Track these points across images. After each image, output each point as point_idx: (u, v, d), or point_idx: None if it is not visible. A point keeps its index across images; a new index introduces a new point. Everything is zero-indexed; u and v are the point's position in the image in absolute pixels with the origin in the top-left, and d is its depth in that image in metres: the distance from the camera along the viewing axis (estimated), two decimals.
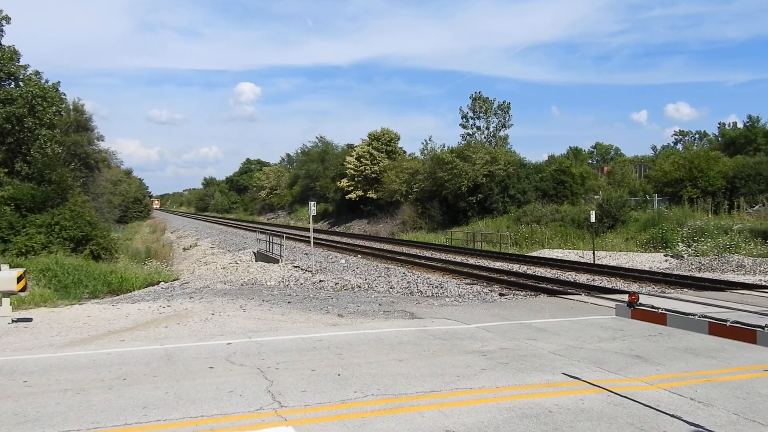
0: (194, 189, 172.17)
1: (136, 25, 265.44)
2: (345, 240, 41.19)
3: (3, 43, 33.50)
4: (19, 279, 10.67)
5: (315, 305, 13.25)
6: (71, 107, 43.42)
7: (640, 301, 6.09)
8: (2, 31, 33.28)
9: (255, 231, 49.91)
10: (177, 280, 26.08)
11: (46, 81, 35.28)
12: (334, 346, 8.64)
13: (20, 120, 32.52)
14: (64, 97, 37.75)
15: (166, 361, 7.84)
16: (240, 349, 8.49)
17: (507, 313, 11.55)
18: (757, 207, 38.08)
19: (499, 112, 54.86)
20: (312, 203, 23.38)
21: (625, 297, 14.09)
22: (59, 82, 35.79)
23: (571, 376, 6.98)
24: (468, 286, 17.49)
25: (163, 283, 24.82)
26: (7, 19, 33.19)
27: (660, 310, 5.72)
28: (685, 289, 16.39)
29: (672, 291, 16.12)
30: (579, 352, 8.21)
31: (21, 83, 33.35)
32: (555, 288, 16.59)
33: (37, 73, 34.66)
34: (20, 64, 33.70)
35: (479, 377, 6.92)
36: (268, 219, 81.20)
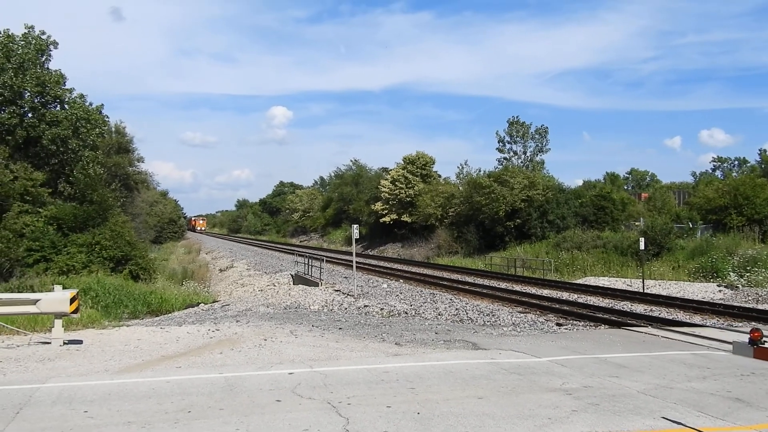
0: (227, 211, 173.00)
1: (173, 50, 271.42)
2: (382, 263, 40.71)
3: (50, 67, 34.18)
4: (72, 300, 10.41)
5: (368, 332, 12.76)
6: (113, 129, 44.09)
7: (764, 338, 5.48)
8: (50, 55, 33.95)
9: (290, 253, 49.74)
10: (217, 301, 25.85)
11: (90, 104, 35.92)
12: (404, 378, 8.12)
13: (64, 141, 33.04)
14: (107, 119, 38.38)
15: (229, 391, 7.41)
16: (304, 379, 8.02)
17: (576, 346, 10.90)
18: None
19: (536, 136, 54.24)
20: (355, 226, 23.09)
21: (697, 330, 13.35)
22: (102, 104, 36.49)
23: (674, 422, 6.35)
24: (521, 314, 16.82)
25: (202, 304, 24.58)
26: (55, 44, 33.90)
27: None
28: (754, 323, 15.47)
29: (739, 324, 15.24)
30: (671, 393, 7.55)
31: (66, 106, 33.90)
32: (613, 318, 15.84)
33: (81, 96, 35.28)
34: (66, 87, 34.31)
35: (573, 421, 6.32)
36: (300, 241, 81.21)
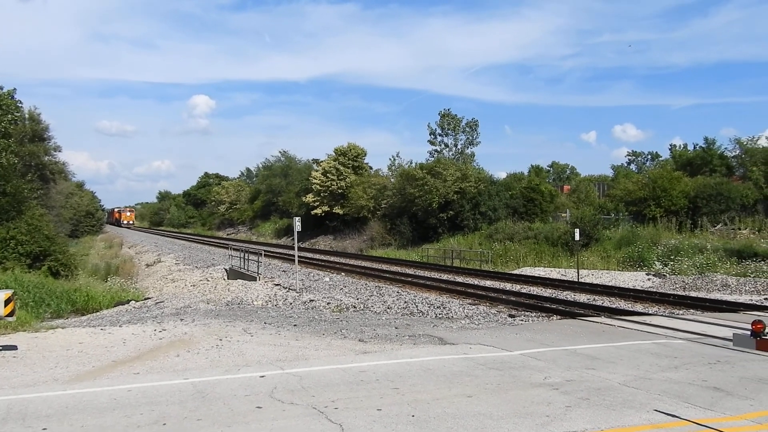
0: (148, 203, 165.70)
1: (89, 35, 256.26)
2: (318, 256, 40.15)
3: None
4: (6, 302, 9.45)
5: (325, 329, 12.33)
6: (27, 116, 41.14)
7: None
8: None
9: (220, 246, 48.21)
10: (149, 298, 24.60)
11: (1, 88, 33.33)
12: (384, 378, 7.79)
13: None
14: (20, 105, 35.74)
15: (201, 399, 6.85)
16: (279, 383, 7.55)
17: (542, 338, 10.89)
18: (719, 226, 38.82)
19: (467, 129, 54.84)
20: (297, 219, 22.48)
21: (647, 319, 13.68)
22: (15, 89, 33.83)
23: (668, 414, 6.33)
24: (472, 306, 16.80)
25: (133, 301, 23.33)
26: None
27: None
28: (692, 310, 16.08)
29: (681, 312, 15.79)
30: (652, 384, 7.58)
31: None
32: (561, 308, 16.08)
33: None
34: None
35: (572, 417, 6.19)
36: (227, 234, 79.00)
